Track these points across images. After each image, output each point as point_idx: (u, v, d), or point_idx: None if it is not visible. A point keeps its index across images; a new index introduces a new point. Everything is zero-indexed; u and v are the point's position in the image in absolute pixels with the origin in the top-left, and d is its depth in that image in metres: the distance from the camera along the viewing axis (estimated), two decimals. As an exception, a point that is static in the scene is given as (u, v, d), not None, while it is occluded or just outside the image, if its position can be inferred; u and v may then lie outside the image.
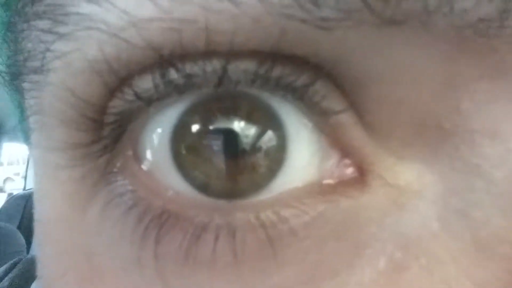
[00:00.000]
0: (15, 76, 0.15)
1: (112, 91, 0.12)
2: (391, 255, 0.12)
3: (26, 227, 2.07)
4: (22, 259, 0.68)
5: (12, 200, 2.21)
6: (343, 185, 0.13)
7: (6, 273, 0.65)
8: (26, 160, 2.86)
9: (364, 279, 0.12)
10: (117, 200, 0.13)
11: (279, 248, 0.12)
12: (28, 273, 0.64)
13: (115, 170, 0.14)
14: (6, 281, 0.62)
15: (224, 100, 0.13)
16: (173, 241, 0.12)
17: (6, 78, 0.16)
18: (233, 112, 0.13)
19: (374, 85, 0.11)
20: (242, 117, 0.13)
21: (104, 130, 0.13)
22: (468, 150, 0.11)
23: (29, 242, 1.95)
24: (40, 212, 0.16)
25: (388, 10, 0.10)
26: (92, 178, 0.14)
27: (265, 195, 0.13)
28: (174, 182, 0.13)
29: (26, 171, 2.86)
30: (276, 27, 0.10)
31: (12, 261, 0.68)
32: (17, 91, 0.16)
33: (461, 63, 0.11)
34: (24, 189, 2.76)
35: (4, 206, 2.18)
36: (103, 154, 0.13)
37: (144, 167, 0.14)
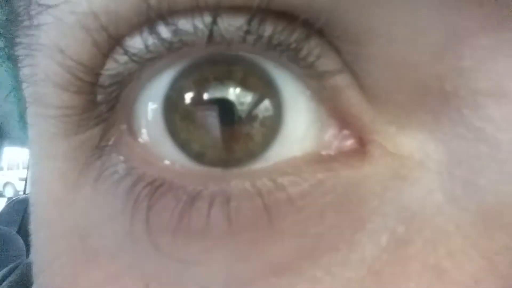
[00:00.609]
0: (10, 42, 0.15)
1: (105, 53, 0.12)
2: (393, 230, 0.11)
3: (26, 231, 2.07)
4: (21, 263, 0.68)
5: (12, 204, 2.20)
6: (343, 156, 0.12)
7: (5, 277, 0.64)
8: (27, 164, 2.86)
9: (366, 256, 0.11)
10: (109, 170, 0.13)
11: (276, 218, 0.11)
12: (27, 278, 0.63)
13: (109, 143, 0.13)
14: (5, 286, 0.62)
15: (218, 64, 0.12)
16: (165, 209, 0.12)
17: (3, 46, 0.16)
18: (227, 77, 0.12)
19: (369, 43, 0.11)
20: (237, 83, 0.12)
21: (99, 94, 0.13)
22: (471, 113, 0.11)
23: (28, 246, 1.95)
24: (35, 195, 0.15)
25: None
26: (85, 152, 0.13)
27: (261, 164, 0.12)
28: (170, 153, 0.13)
29: (27, 174, 2.86)
30: None
31: (10, 266, 0.67)
32: (15, 65, 0.16)
33: (464, 13, 0.10)
34: (24, 192, 2.76)
35: (4, 210, 2.18)
36: (98, 123, 0.13)
37: (139, 140, 0.13)
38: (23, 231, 2.03)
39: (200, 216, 0.12)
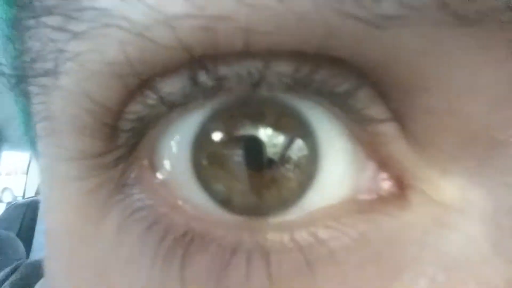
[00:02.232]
0: (21, 79, 0.14)
1: (132, 94, 0.11)
2: (433, 278, 0.11)
3: (26, 235, 2.07)
4: (22, 263, 0.69)
5: (12, 208, 2.21)
6: (381, 202, 0.12)
7: (7, 276, 0.65)
8: (26, 169, 2.86)
9: None
10: (135, 216, 0.12)
11: (317, 272, 0.11)
12: (29, 277, 0.64)
13: (129, 181, 0.13)
14: (7, 285, 0.62)
15: (250, 105, 0.12)
16: (200, 265, 0.11)
17: (11, 81, 0.15)
18: (259, 118, 0.12)
19: (423, 93, 0.10)
20: (269, 124, 0.12)
21: (120, 138, 0.12)
22: None
23: (28, 250, 1.95)
24: (49, 223, 0.15)
25: (465, 7, 0.09)
26: (105, 190, 0.13)
27: (295, 213, 0.12)
28: (193, 195, 0.12)
29: (26, 180, 2.85)
30: (323, 25, 0.09)
31: (12, 266, 0.68)
32: (23, 95, 0.15)
33: None
34: (23, 197, 2.76)
35: (3, 214, 2.18)
36: (117, 164, 0.12)
37: (160, 177, 0.13)
38: (23, 235, 2.03)
39: (238, 272, 0.11)
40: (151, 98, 0.11)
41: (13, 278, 0.61)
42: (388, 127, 0.11)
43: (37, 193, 2.74)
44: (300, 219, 0.12)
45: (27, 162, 2.83)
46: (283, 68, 0.10)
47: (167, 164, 0.13)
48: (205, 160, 0.12)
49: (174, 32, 0.10)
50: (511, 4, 0.09)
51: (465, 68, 0.10)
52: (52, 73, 0.12)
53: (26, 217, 2.21)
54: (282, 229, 0.11)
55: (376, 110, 0.11)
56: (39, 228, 2.22)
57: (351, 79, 0.11)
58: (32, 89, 0.13)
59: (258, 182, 0.12)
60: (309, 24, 0.09)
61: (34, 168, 2.85)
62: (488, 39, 0.09)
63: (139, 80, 0.11)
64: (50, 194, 0.14)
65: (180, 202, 0.12)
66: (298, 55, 0.10)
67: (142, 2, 0.10)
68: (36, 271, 0.64)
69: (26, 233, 2.14)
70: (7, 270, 0.64)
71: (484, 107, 0.10)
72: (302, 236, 0.11)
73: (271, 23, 0.09)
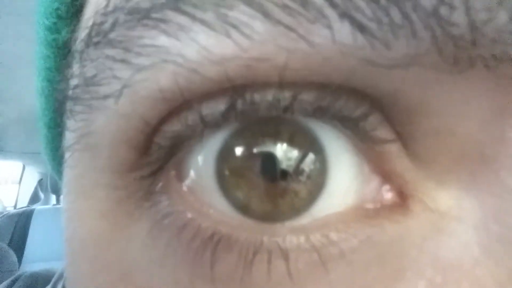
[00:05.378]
0: (68, 100, 0.15)
1: (173, 114, 0.12)
2: (431, 279, 0.12)
3: (17, 245, 2.05)
4: (21, 275, 0.69)
5: (4, 218, 2.18)
6: (385, 210, 0.13)
7: (8, 288, 0.65)
8: (19, 179, 2.83)
9: None
10: (165, 221, 0.13)
11: (331, 270, 0.12)
12: (29, 289, 0.64)
13: (157, 189, 0.14)
14: (7, 297, 0.62)
15: (268, 124, 0.13)
16: (227, 263, 0.12)
17: (59, 101, 0.16)
18: (275, 135, 0.13)
19: (424, 118, 0.12)
20: (284, 140, 0.13)
21: (156, 152, 0.13)
22: (508, 176, 0.11)
23: (19, 260, 1.93)
24: (73, 230, 0.15)
25: (458, 55, 0.10)
26: (134, 198, 0.14)
27: (306, 218, 0.13)
28: (216, 202, 0.13)
29: (19, 190, 2.82)
30: (345, 65, 0.11)
31: (11, 278, 0.68)
32: (61, 114, 0.16)
33: (508, 95, 0.11)
34: (15, 207, 2.73)
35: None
36: (148, 177, 0.14)
37: (186, 186, 0.14)
38: (14, 245, 2.01)
39: (261, 270, 0.12)
40: (191, 119, 0.12)
41: (13, 290, 0.61)
42: (392, 147, 0.12)
43: (29, 203, 2.71)
44: (314, 224, 0.13)
45: (20, 172, 2.80)
46: (308, 97, 0.12)
47: (193, 174, 0.14)
48: (227, 171, 0.13)
49: (223, 69, 0.11)
50: (495, 53, 0.10)
51: (458, 98, 0.11)
52: (104, 96, 0.13)
53: (17, 227, 2.19)
54: (298, 232, 0.12)
55: (383, 132, 0.12)
56: (31, 238, 2.20)
57: (364, 106, 0.12)
58: (77, 108, 0.14)
59: (274, 191, 0.13)
60: (334, 64, 0.11)
61: (27, 178, 2.82)
62: (477, 78, 0.11)
63: (182, 103, 0.12)
64: (75, 202, 0.15)
65: (205, 208, 0.13)
66: (321, 87, 0.12)
67: (197, 43, 0.11)
68: (36, 283, 0.64)
69: (18, 243, 2.11)
70: (7, 282, 0.64)
71: (474, 128, 0.11)
72: (316, 237, 0.12)
73: (301, 63, 0.11)
